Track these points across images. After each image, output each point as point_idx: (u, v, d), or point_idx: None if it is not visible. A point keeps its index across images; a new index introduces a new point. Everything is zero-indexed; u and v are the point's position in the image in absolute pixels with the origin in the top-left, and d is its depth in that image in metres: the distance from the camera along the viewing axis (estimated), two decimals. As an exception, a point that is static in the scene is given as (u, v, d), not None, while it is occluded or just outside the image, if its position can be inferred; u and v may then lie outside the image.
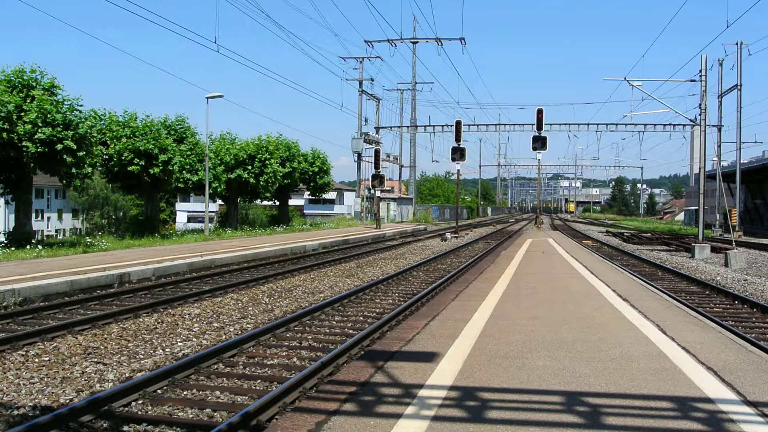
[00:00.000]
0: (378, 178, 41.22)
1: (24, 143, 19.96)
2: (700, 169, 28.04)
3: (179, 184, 31.65)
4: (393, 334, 7.57)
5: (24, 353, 7.95)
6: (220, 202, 42.64)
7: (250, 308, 11.43)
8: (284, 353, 8.18)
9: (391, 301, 12.41)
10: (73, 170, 21.55)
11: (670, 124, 46.21)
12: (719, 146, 40.92)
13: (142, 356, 7.92)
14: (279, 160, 38.22)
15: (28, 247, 19.87)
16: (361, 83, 51.63)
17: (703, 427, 4.31)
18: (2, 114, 19.62)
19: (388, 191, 61.67)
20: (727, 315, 11.53)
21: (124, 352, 8.08)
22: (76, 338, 8.81)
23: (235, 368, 7.44)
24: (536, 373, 5.67)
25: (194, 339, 8.94)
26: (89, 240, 22.80)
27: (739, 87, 38.53)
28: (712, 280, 16.57)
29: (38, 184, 46.42)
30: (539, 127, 33.54)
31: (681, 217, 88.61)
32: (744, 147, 48.17)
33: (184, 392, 6.48)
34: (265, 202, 48.24)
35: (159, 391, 6.44)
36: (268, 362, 7.72)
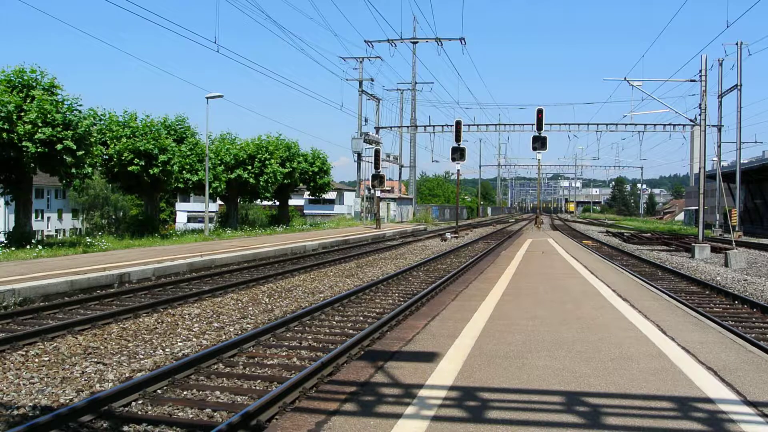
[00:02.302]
0: (378, 178, 41.21)
1: (24, 143, 19.96)
2: (700, 169, 28.03)
3: (179, 184, 31.64)
4: (393, 334, 7.57)
5: (24, 353, 7.95)
6: (220, 202, 42.64)
7: (250, 308, 11.43)
8: (284, 353, 8.18)
9: (391, 301, 12.41)
10: (73, 170, 21.55)
11: (670, 124, 46.20)
12: (719, 146, 40.92)
13: (142, 356, 7.92)
14: (279, 160, 38.23)
15: (28, 247, 19.86)
16: (361, 83, 51.61)
17: (703, 427, 4.31)
18: (2, 114, 19.61)
19: (388, 191, 61.66)
20: (727, 315, 11.53)
21: (124, 352, 8.08)
22: (76, 338, 8.81)
23: (235, 368, 7.44)
24: (536, 373, 5.67)
25: (194, 339, 8.94)
26: (89, 240, 22.79)
27: (739, 87, 38.52)
28: (712, 280, 16.57)
29: (38, 184, 46.40)
30: (539, 127, 33.53)
31: (681, 217, 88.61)
32: (744, 147, 48.22)
33: (184, 392, 6.48)
34: (265, 202, 48.24)
35: (159, 391, 6.44)
36: (268, 362, 7.72)
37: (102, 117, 28.79)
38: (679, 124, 45.49)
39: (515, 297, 10.41)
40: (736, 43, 37.92)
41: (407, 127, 57.06)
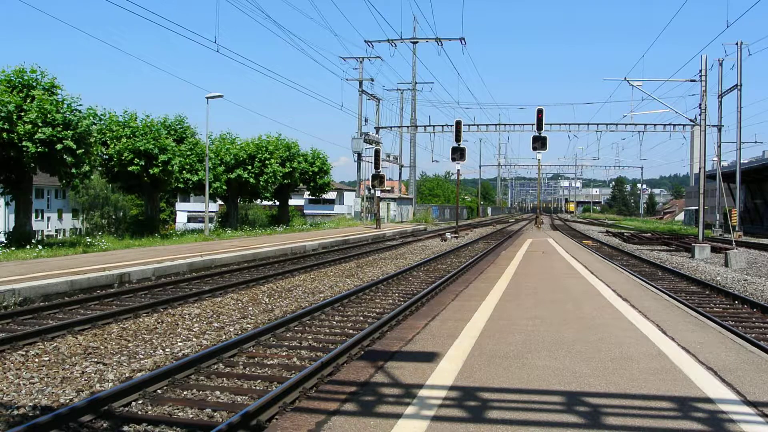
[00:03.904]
0: (378, 178, 41.20)
1: (24, 143, 19.96)
2: (700, 169, 28.03)
3: (179, 184, 31.66)
4: (393, 334, 7.57)
5: (24, 353, 7.95)
6: (220, 202, 42.65)
7: (250, 308, 11.43)
8: (284, 353, 8.18)
9: (391, 301, 12.41)
10: (73, 170, 21.55)
11: (670, 124, 46.21)
12: (719, 146, 40.91)
13: (142, 356, 7.92)
14: (279, 160, 38.23)
15: (28, 247, 19.86)
16: (361, 83, 51.60)
17: (703, 427, 4.31)
18: (2, 114, 19.62)
19: (388, 191, 61.64)
20: (727, 315, 11.53)
21: (124, 352, 8.08)
22: (76, 338, 8.81)
23: (235, 368, 7.44)
24: (536, 373, 5.67)
25: (194, 339, 8.93)
26: (89, 240, 22.79)
27: (739, 87, 38.51)
28: (712, 280, 16.57)
29: (38, 184, 46.39)
30: (539, 127, 33.53)
31: (681, 217, 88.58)
32: (744, 147, 48.19)
33: (184, 392, 6.48)
34: (265, 202, 48.27)
35: (159, 391, 6.44)
36: (268, 362, 7.72)
37: (102, 117, 28.80)
38: (679, 124, 45.51)
39: (515, 297, 10.40)
40: (736, 43, 37.94)
41: (407, 127, 57.06)
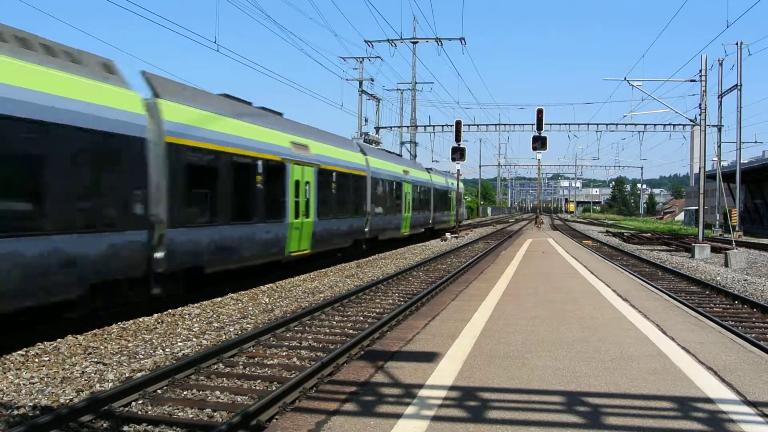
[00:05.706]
0: (378, 178, 41.16)
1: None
2: (700, 169, 28.03)
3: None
4: (393, 334, 7.57)
5: (24, 353, 7.94)
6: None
7: (250, 308, 11.43)
8: (284, 353, 8.18)
9: (391, 301, 12.41)
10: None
11: (670, 124, 46.07)
12: (719, 146, 40.89)
13: (142, 356, 7.91)
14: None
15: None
16: (361, 83, 51.50)
17: (703, 427, 4.31)
18: None
19: (388, 191, 61.54)
20: (727, 315, 11.53)
21: (124, 352, 8.08)
22: (76, 338, 8.81)
23: (235, 368, 7.44)
24: (536, 373, 5.67)
25: (194, 339, 8.93)
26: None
27: (739, 87, 38.50)
28: (712, 280, 16.56)
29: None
30: (539, 127, 33.47)
31: (681, 217, 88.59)
32: (744, 147, 48.21)
33: (184, 392, 6.48)
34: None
35: (159, 391, 6.45)
36: (268, 362, 7.72)
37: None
38: (679, 124, 45.35)
39: (515, 297, 10.40)
40: (736, 43, 37.92)
41: (407, 127, 56.98)
